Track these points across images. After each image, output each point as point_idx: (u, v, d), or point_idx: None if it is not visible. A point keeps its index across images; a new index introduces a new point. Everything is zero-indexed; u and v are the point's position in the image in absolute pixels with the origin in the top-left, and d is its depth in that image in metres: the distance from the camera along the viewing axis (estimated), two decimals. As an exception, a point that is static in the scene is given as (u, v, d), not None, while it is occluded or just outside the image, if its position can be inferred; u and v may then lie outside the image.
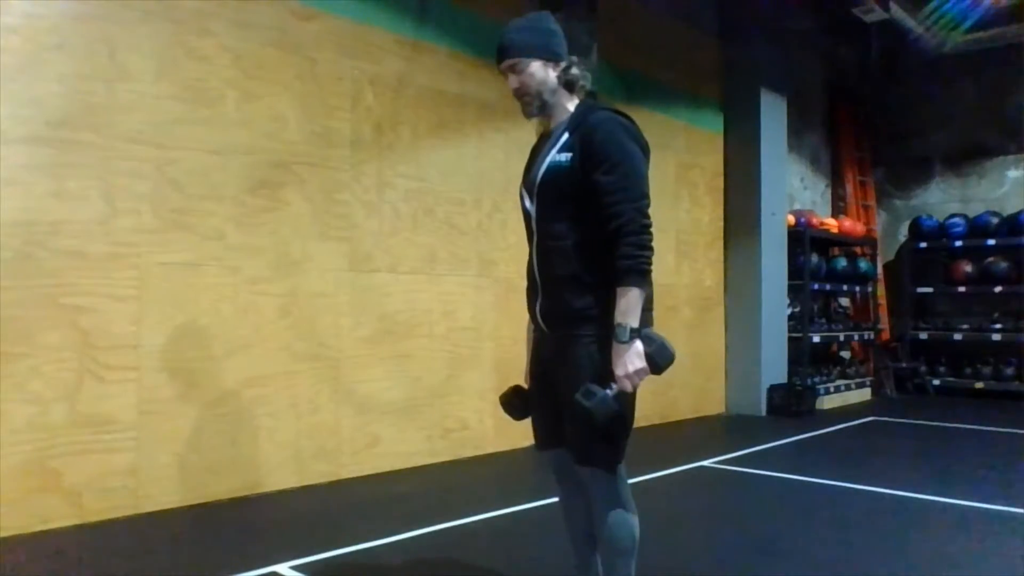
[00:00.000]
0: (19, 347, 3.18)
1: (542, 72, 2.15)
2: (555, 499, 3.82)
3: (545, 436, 2.28)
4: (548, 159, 2.13)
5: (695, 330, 6.81)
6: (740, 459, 5.08)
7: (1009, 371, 8.22)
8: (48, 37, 3.28)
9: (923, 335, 8.78)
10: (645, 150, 2.13)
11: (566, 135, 2.13)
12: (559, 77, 2.17)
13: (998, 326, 8.37)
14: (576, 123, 2.12)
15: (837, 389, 7.81)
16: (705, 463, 4.89)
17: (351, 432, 4.34)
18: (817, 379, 7.64)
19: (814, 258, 7.75)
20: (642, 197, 2.03)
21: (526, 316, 2.32)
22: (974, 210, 8.78)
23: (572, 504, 2.32)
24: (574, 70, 2.20)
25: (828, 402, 7.58)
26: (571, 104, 2.20)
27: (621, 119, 2.11)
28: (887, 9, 7.43)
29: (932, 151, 9.22)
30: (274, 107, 4.02)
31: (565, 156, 2.09)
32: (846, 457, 5.30)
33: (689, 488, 4.35)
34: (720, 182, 7.21)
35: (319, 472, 4.19)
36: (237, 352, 3.86)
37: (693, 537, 3.42)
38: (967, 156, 9.01)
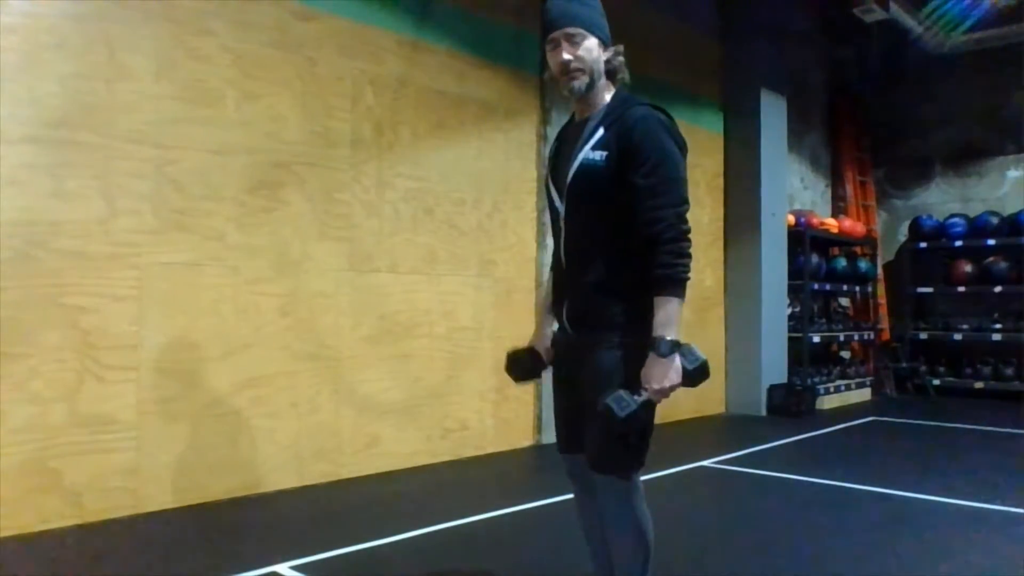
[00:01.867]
0: (19, 347, 3.18)
1: (596, 51, 2.09)
2: (555, 499, 3.83)
3: (567, 439, 2.23)
4: (581, 156, 2.04)
5: (695, 330, 6.81)
6: (740, 459, 5.08)
7: (1009, 371, 8.21)
8: (47, 37, 3.28)
9: (923, 335, 8.77)
10: (683, 148, 2.06)
11: (600, 131, 2.04)
12: (607, 62, 2.12)
13: (998, 326, 8.36)
14: (612, 118, 2.04)
15: (837, 389, 7.81)
16: (705, 463, 4.89)
17: (351, 432, 4.34)
18: (817, 379, 7.63)
19: (814, 258, 7.74)
20: (683, 202, 1.97)
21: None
22: (974, 210, 8.78)
23: (588, 506, 2.26)
24: (619, 58, 2.14)
25: (828, 402, 7.57)
26: (608, 93, 2.12)
27: (660, 116, 2.03)
28: (887, 9, 7.43)
29: (932, 151, 9.21)
30: (274, 107, 4.02)
31: (600, 155, 2.01)
32: (846, 457, 5.30)
33: (689, 488, 4.35)
34: (720, 182, 7.21)
35: (319, 472, 4.19)
36: (237, 352, 3.86)
37: (692, 537, 3.42)
38: (967, 156, 9.01)
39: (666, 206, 1.95)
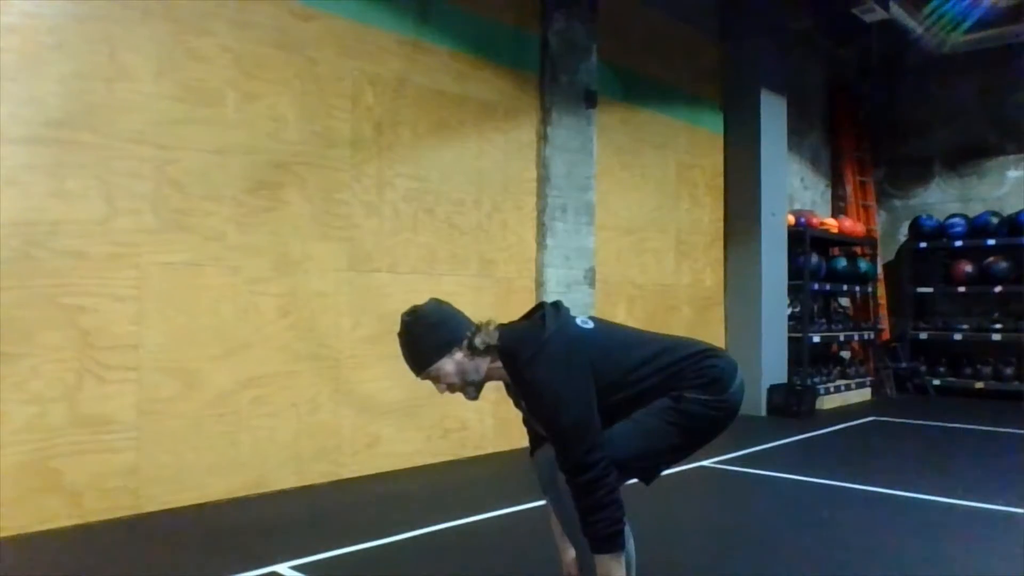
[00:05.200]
0: (19, 347, 3.18)
1: (452, 364, 2.16)
2: (555, 499, 3.82)
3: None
4: (535, 421, 2.23)
5: (695, 330, 6.79)
6: (740, 459, 5.07)
7: (1009, 371, 8.20)
8: (48, 37, 3.28)
9: (923, 335, 8.77)
10: (575, 363, 2.10)
11: (523, 402, 2.21)
12: (469, 354, 2.17)
13: (998, 326, 8.36)
14: (518, 389, 2.18)
15: (837, 389, 7.80)
16: (705, 463, 4.88)
17: (351, 432, 4.34)
18: (817, 379, 7.63)
19: (814, 258, 7.74)
20: (580, 454, 1.99)
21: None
22: (974, 210, 8.77)
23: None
24: (477, 340, 2.17)
25: (828, 402, 7.57)
26: (496, 364, 2.21)
27: (533, 360, 2.09)
28: (887, 9, 7.42)
29: (932, 151, 9.21)
30: (274, 107, 4.02)
31: (536, 421, 2.17)
32: (846, 457, 5.30)
33: (689, 488, 4.35)
34: (720, 182, 7.21)
35: (319, 472, 4.19)
36: (237, 352, 3.86)
37: (693, 537, 3.42)
38: (967, 156, 9.01)
39: (567, 458, 2.02)
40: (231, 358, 3.84)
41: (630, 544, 2.15)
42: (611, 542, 1.93)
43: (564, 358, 2.08)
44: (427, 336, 2.17)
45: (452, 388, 2.20)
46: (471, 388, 2.20)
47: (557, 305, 2.25)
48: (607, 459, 1.98)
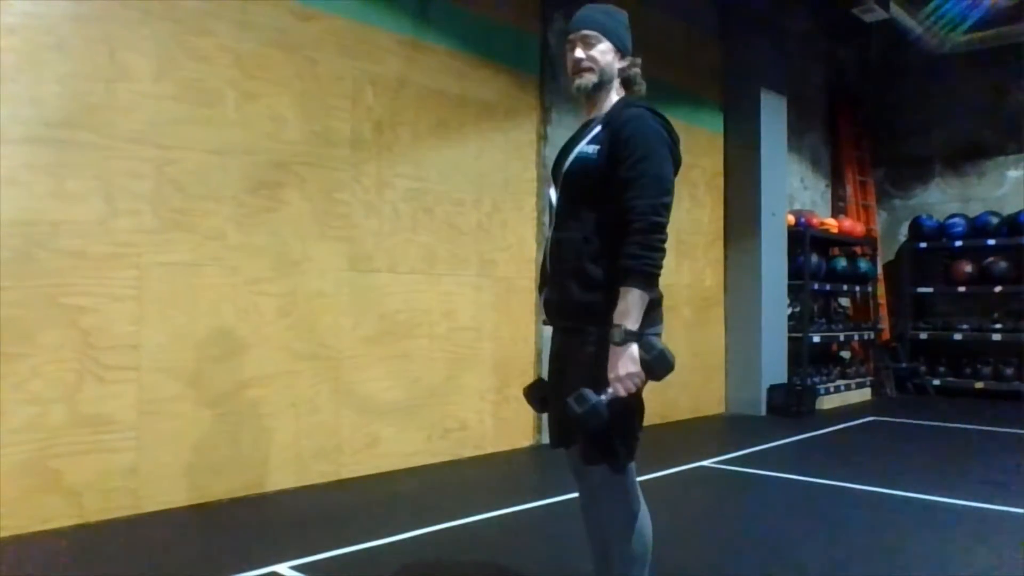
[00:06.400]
0: (19, 347, 3.18)
1: (610, 56, 2.21)
2: (555, 499, 3.83)
3: (558, 434, 2.21)
4: (577, 150, 2.14)
5: (695, 330, 6.81)
6: (740, 459, 5.08)
7: (1009, 371, 8.20)
8: (48, 37, 3.28)
9: (923, 335, 8.77)
10: (675, 151, 2.13)
11: (599, 128, 2.13)
12: (621, 70, 2.23)
13: (998, 326, 8.36)
14: (610, 117, 2.13)
15: (837, 389, 7.81)
16: (705, 463, 4.89)
17: (351, 432, 4.34)
18: (817, 379, 7.63)
19: (814, 258, 7.74)
20: (661, 195, 2.01)
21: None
22: (974, 210, 8.78)
23: (589, 503, 2.26)
24: (635, 69, 2.25)
25: (828, 402, 7.57)
26: (615, 98, 2.22)
27: (653, 116, 2.11)
28: (887, 9, 7.43)
29: (932, 151, 9.21)
30: (274, 107, 4.02)
31: (593, 148, 2.10)
32: (846, 457, 5.30)
33: (689, 488, 4.35)
34: (720, 182, 7.21)
35: (319, 472, 4.19)
36: (237, 352, 3.86)
37: (692, 537, 3.42)
38: (967, 156, 9.01)
39: (642, 197, 1.99)
40: (231, 358, 3.84)
41: (647, 524, 2.14)
42: (647, 279, 1.96)
43: (669, 142, 2.12)
44: (622, 25, 2.29)
45: (586, 62, 2.19)
46: (591, 76, 2.18)
47: None
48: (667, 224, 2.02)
